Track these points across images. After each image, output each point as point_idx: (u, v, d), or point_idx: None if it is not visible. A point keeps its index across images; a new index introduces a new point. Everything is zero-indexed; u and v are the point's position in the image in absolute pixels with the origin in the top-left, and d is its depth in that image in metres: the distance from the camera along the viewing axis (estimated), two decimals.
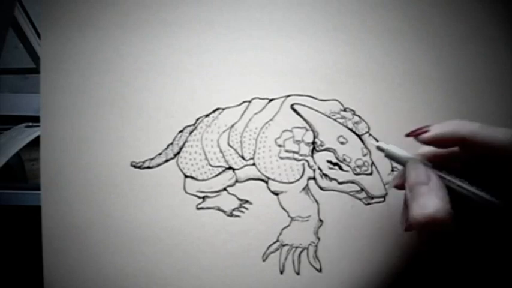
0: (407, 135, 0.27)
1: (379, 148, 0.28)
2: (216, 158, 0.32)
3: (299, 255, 0.31)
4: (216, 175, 0.32)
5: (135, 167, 0.32)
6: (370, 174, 0.32)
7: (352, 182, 0.31)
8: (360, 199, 0.31)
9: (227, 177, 0.32)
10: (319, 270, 0.31)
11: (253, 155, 0.32)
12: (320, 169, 0.32)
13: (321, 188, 0.31)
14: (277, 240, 0.31)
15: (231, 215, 0.32)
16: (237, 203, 0.32)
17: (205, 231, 0.32)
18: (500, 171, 0.25)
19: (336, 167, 0.31)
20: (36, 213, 0.32)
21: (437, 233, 0.24)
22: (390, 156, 0.28)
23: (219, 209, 0.32)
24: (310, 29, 0.32)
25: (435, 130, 0.26)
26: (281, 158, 0.32)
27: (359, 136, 0.32)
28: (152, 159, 0.32)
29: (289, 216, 0.32)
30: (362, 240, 0.31)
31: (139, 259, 0.32)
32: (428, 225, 0.24)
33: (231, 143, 0.32)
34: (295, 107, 0.32)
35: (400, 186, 0.28)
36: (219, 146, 0.32)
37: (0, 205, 0.54)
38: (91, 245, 0.32)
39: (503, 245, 0.25)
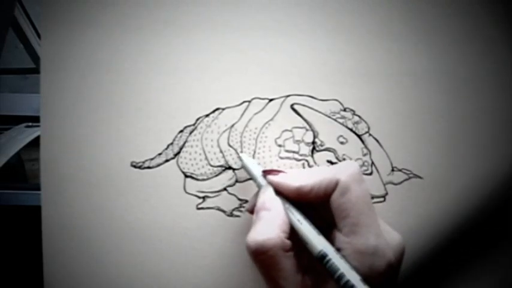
0: (263, 172, 0.29)
1: (239, 157, 0.30)
2: (216, 158, 0.32)
3: None
4: (216, 175, 0.32)
5: (135, 167, 0.32)
6: (370, 174, 0.32)
7: None
8: None
9: (227, 177, 0.32)
10: None
11: (253, 155, 0.32)
12: None
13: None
14: None
15: (231, 215, 0.32)
16: (237, 203, 0.32)
17: (205, 231, 0.32)
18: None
19: None
20: (36, 213, 0.32)
21: (266, 265, 0.25)
22: (246, 170, 0.30)
23: (219, 209, 0.32)
24: (310, 29, 0.32)
25: (281, 177, 0.27)
26: (281, 158, 0.32)
27: (359, 136, 0.32)
28: (152, 159, 0.32)
29: None
30: None
31: (140, 259, 0.32)
32: (256, 252, 0.24)
33: (231, 143, 0.32)
34: (295, 107, 0.32)
35: (252, 210, 0.28)
36: (219, 146, 0.32)
37: (0, 205, 0.54)
38: (91, 245, 0.32)
39: None
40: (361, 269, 0.24)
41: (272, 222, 0.26)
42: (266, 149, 0.32)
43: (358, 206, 0.25)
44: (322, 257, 0.24)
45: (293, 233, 0.26)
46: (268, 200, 0.27)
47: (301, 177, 0.27)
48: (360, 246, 0.24)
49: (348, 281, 0.23)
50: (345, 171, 0.26)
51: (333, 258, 0.24)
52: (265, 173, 0.28)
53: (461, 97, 0.32)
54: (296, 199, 0.27)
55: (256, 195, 0.28)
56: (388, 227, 0.26)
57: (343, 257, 0.24)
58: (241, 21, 0.32)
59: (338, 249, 0.25)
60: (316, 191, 0.26)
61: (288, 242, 0.25)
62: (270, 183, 0.28)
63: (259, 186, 0.29)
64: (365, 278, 0.23)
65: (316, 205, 0.27)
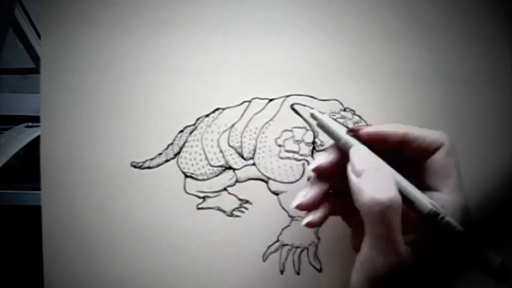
0: (349, 130, 0.26)
1: (313, 116, 0.27)
2: (216, 158, 0.32)
3: (299, 255, 0.31)
4: (216, 175, 0.32)
5: (135, 167, 0.32)
6: None
7: None
8: None
9: (227, 177, 0.32)
10: (319, 270, 0.31)
11: (253, 154, 0.32)
12: None
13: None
14: (278, 240, 0.31)
15: (231, 215, 0.32)
16: (237, 203, 0.32)
17: (205, 231, 0.32)
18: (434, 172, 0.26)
19: None
20: (36, 213, 0.32)
21: (389, 225, 0.23)
22: (324, 128, 0.27)
23: (219, 209, 0.32)
24: (310, 29, 0.32)
25: (379, 127, 0.26)
26: (281, 158, 0.32)
27: None
28: (152, 159, 0.32)
29: (289, 216, 0.32)
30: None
31: (140, 259, 0.32)
32: (383, 211, 0.23)
33: (231, 143, 0.32)
34: (295, 107, 0.32)
35: (327, 169, 0.26)
36: (219, 146, 0.32)
37: (0, 205, 0.54)
38: (91, 245, 0.32)
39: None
40: None
41: (388, 179, 0.24)
42: (266, 149, 0.32)
43: (459, 168, 0.26)
44: (435, 215, 0.24)
45: None
46: (374, 159, 0.25)
47: (401, 128, 0.26)
48: (462, 203, 0.25)
49: (460, 232, 0.23)
50: (446, 137, 0.26)
51: (446, 216, 0.24)
52: (354, 130, 0.26)
53: (461, 97, 0.32)
54: (393, 151, 0.26)
55: (333, 152, 0.27)
56: None
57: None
58: (241, 21, 0.32)
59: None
60: (419, 144, 0.26)
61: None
62: (369, 137, 0.26)
63: (345, 146, 0.26)
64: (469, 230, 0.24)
65: (408, 164, 0.26)
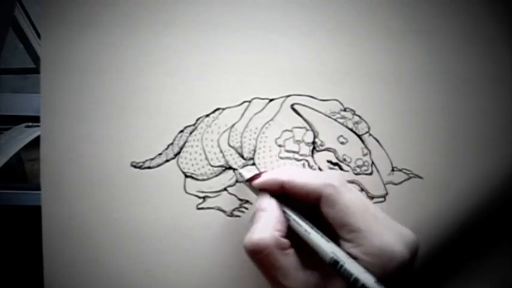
0: (247, 180, 0.29)
1: (240, 174, 0.30)
2: (216, 158, 0.32)
3: None
4: (216, 175, 0.32)
5: (135, 167, 0.32)
6: (370, 174, 0.32)
7: (352, 181, 0.31)
8: None
9: (227, 177, 0.32)
10: None
11: (254, 155, 0.32)
12: (320, 169, 0.32)
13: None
14: None
15: (231, 215, 0.32)
16: (237, 203, 0.32)
17: (205, 231, 0.32)
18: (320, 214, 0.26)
19: (336, 167, 0.31)
20: (36, 213, 0.32)
21: (264, 265, 0.25)
22: (246, 186, 0.30)
23: (219, 209, 0.32)
24: (310, 29, 0.32)
25: (263, 177, 0.28)
26: (281, 158, 0.32)
27: (359, 136, 0.32)
28: (152, 159, 0.32)
29: None
30: None
31: (140, 259, 0.32)
32: (252, 252, 0.25)
33: (231, 143, 0.32)
34: (295, 107, 0.32)
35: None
36: (219, 146, 0.32)
37: (0, 205, 0.54)
38: (91, 245, 0.32)
39: None
40: (374, 270, 0.24)
41: (266, 221, 0.26)
42: (266, 149, 0.32)
43: (350, 213, 0.25)
44: (335, 263, 0.24)
45: (293, 232, 0.26)
46: (263, 201, 0.27)
47: (286, 175, 0.27)
48: (365, 250, 0.24)
49: (363, 284, 0.23)
50: (325, 184, 0.26)
51: (346, 263, 0.24)
52: (250, 180, 0.29)
53: (461, 97, 0.32)
54: (287, 197, 0.27)
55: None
56: (398, 225, 0.26)
57: (355, 260, 0.24)
58: (241, 21, 0.32)
59: (348, 253, 0.25)
60: (297, 194, 0.26)
61: (285, 240, 0.25)
62: (259, 187, 0.28)
63: (256, 195, 0.29)
64: (379, 279, 0.23)
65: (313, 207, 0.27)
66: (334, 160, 0.31)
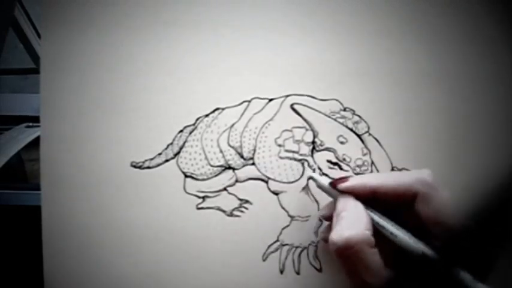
0: (331, 183, 0.28)
1: (311, 178, 0.30)
2: (216, 157, 0.32)
3: (299, 255, 0.31)
4: (216, 175, 0.32)
5: (135, 167, 0.32)
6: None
7: None
8: None
9: (227, 177, 0.32)
10: (319, 270, 0.31)
11: (253, 154, 0.32)
12: (320, 169, 0.32)
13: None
14: (277, 240, 0.31)
15: (231, 215, 0.32)
16: (237, 203, 0.32)
17: (205, 231, 0.32)
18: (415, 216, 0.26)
19: (336, 167, 0.31)
20: (36, 213, 0.32)
21: (354, 261, 0.25)
22: (322, 188, 0.29)
23: (219, 209, 0.32)
24: (310, 29, 0.32)
25: (351, 181, 0.28)
26: (281, 157, 0.32)
27: (359, 136, 0.32)
28: (152, 159, 0.32)
29: (289, 215, 0.32)
30: None
31: (139, 259, 0.32)
32: (343, 247, 0.25)
33: (231, 143, 0.32)
34: (295, 106, 0.32)
35: (327, 217, 0.29)
36: (219, 145, 0.32)
37: (0, 205, 0.54)
38: (91, 245, 0.32)
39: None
40: None
41: (356, 219, 0.26)
42: (266, 149, 0.32)
43: (445, 212, 0.25)
44: (428, 260, 0.24)
45: (376, 232, 0.26)
46: (348, 202, 0.27)
47: (376, 179, 0.27)
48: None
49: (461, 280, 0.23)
50: (420, 181, 0.26)
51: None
52: (335, 183, 0.28)
53: (462, 97, 0.32)
54: (372, 200, 0.27)
55: (331, 204, 0.29)
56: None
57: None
58: (241, 21, 0.32)
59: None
60: (392, 195, 0.26)
61: (373, 238, 0.25)
62: (345, 190, 0.28)
63: (335, 197, 0.28)
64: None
65: (399, 207, 0.27)
66: (334, 160, 0.31)
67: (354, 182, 0.28)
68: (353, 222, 0.26)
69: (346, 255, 0.25)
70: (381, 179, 0.27)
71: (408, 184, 0.26)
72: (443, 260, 0.24)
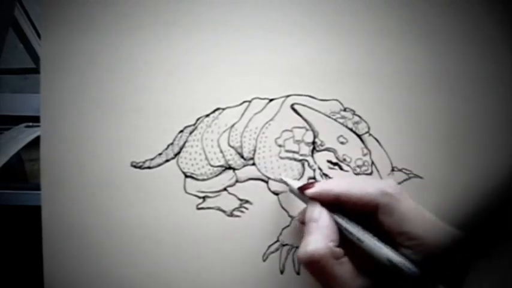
0: (299, 188, 0.29)
1: (284, 182, 0.30)
2: (216, 158, 0.32)
3: None
4: (216, 175, 0.32)
5: (135, 167, 0.32)
6: (370, 174, 0.32)
7: None
8: None
9: (227, 177, 0.32)
10: None
11: (253, 154, 0.32)
12: (320, 169, 0.32)
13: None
14: (278, 240, 0.31)
15: (231, 215, 0.32)
16: (237, 203, 0.32)
17: (205, 231, 0.32)
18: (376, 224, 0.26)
19: (336, 167, 0.31)
20: (36, 213, 0.32)
21: (320, 275, 0.25)
22: (294, 193, 0.29)
23: (219, 209, 0.32)
24: (310, 29, 0.32)
25: (316, 188, 0.28)
26: (281, 157, 0.32)
27: (359, 136, 0.32)
28: (152, 159, 0.32)
29: (289, 216, 0.32)
30: None
31: (139, 259, 0.32)
32: (307, 263, 0.25)
33: (231, 143, 0.32)
34: (295, 107, 0.32)
35: (303, 222, 0.29)
36: (219, 146, 0.32)
37: (0, 205, 0.54)
38: (91, 245, 0.32)
39: None
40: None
41: (319, 232, 0.26)
42: (266, 149, 0.32)
43: (408, 221, 0.25)
44: (393, 268, 0.24)
45: (345, 240, 0.26)
46: (314, 211, 0.27)
47: (340, 186, 0.27)
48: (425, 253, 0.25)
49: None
50: (382, 193, 0.26)
51: (404, 267, 0.24)
52: (302, 189, 0.28)
53: (461, 97, 0.32)
54: (339, 205, 0.27)
55: (304, 210, 0.29)
56: (447, 226, 0.26)
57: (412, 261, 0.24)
58: (241, 21, 0.32)
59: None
60: (356, 204, 0.26)
61: (338, 250, 0.26)
62: (311, 196, 0.28)
63: (306, 203, 0.29)
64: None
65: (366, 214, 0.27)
66: (334, 160, 0.31)
67: (318, 188, 0.28)
68: (318, 235, 0.26)
69: (314, 270, 0.25)
70: (344, 186, 0.27)
71: (370, 195, 0.26)
72: (420, 273, 0.24)
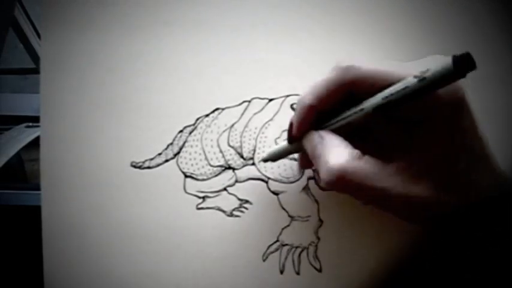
0: (289, 140, 0.27)
1: (265, 159, 0.30)
2: (216, 158, 0.32)
3: (299, 255, 0.31)
4: (216, 175, 0.32)
5: (135, 167, 0.32)
6: None
7: None
8: None
9: (227, 177, 0.32)
10: (319, 270, 0.31)
11: (253, 154, 0.32)
12: None
13: (321, 188, 0.31)
14: (277, 240, 0.31)
15: (231, 215, 0.32)
16: (237, 203, 0.32)
17: (205, 231, 0.32)
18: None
19: None
20: (36, 213, 0.32)
21: (356, 182, 0.23)
22: (279, 154, 0.29)
23: (219, 209, 0.32)
24: (310, 28, 0.32)
25: (294, 118, 0.26)
26: None
27: None
28: (152, 159, 0.32)
29: (289, 216, 0.32)
30: (362, 240, 0.31)
31: (139, 259, 0.32)
32: (338, 179, 0.23)
33: (231, 143, 0.32)
34: (295, 106, 0.32)
35: (307, 164, 0.28)
36: (218, 146, 0.32)
37: (0, 205, 0.54)
38: (91, 245, 0.32)
39: None
40: None
41: (330, 147, 0.24)
42: (266, 149, 0.32)
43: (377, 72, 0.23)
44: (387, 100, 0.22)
45: (360, 139, 0.25)
46: (312, 137, 0.25)
47: (307, 94, 0.25)
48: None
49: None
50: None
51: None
52: (291, 135, 0.27)
53: None
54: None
55: (301, 156, 0.29)
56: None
57: None
58: (241, 21, 0.32)
59: None
60: (330, 95, 0.24)
61: (356, 151, 0.23)
62: (299, 132, 0.26)
63: (300, 148, 0.27)
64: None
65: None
66: None
67: (296, 116, 0.26)
68: (329, 152, 0.24)
69: (348, 183, 0.23)
70: (310, 92, 0.25)
71: (335, 80, 0.24)
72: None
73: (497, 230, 0.24)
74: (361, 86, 0.23)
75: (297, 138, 0.27)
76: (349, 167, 0.23)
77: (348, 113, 0.24)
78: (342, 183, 0.23)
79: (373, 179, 0.23)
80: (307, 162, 0.27)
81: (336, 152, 0.24)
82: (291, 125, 0.27)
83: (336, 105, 0.25)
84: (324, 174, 0.24)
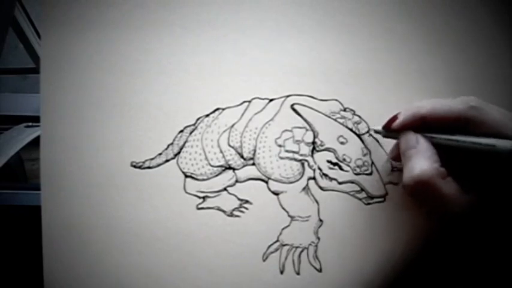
0: (384, 127, 0.29)
1: (376, 131, 0.30)
2: (216, 158, 0.32)
3: (299, 255, 0.31)
4: (216, 175, 0.32)
5: (135, 167, 0.32)
6: (370, 174, 0.32)
7: (352, 182, 0.31)
8: (360, 199, 0.31)
9: (227, 177, 0.32)
10: (319, 270, 0.31)
11: (253, 155, 0.32)
12: (320, 169, 0.32)
13: (321, 188, 0.31)
14: (277, 240, 0.32)
15: (231, 215, 0.32)
16: (237, 203, 0.32)
17: (205, 231, 0.32)
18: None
19: (336, 167, 0.31)
20: (36, 213, 0.32)
21: (429, 196, 0.25)
22: (388, 134, 0.30)
23: (219, 209, 0.32)
24: (310, 29, 0.32)
25: (401, 118, 0.28)
26: (281, 158, 0.32)
27: (359, 136, 0.32)
28: (152, 159, 0.32)
29: (289, 216, 0.32)
30: (362, 240, 0.31)
31: (140, 259, 0.32)
32: (416, 185, 0.26)
33: (231, 143, 0.32)
34: (295, 107, 0.32)
35: (397, 157, 0.29)
36: (219, 146, 0.32)
37: (0, 205, 0.54)
38: (91, 245, 0.32)
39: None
40: None
41: (421, 156, 0.26)
42: (266, 149, 0.32)
43: (501, 127, 0.25)
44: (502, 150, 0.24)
45: (448, 160, 0.26)
46: (410, 138, 0.27)
47: (425, 107, 0.27)
48: None
49: None
50: (469, 107, 0.26)
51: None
52: (387, 125, 0.29)
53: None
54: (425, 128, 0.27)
55: (396, 145, 0.29)
56: None
57: None
58: (241, 21, 0.32)
59: None
60: (444, 120, 0.26)
61: (443, 169, 0.26)
62: (400, 128, 0.28)
63: (396, 138, 0.29)
64: None
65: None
66: (334, 160, 0.31)
67: (404, 116, 0.28)
68: (420, 158, 0.26)
69: (422, 192, 0.26)
70: (429, 106, 0.27)
71: (459, 110, 0.26)
72: None
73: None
74: (478, 128, 0.26)
75: (393, 130, 0.29)
76: (431, 182, 0.25)
77: (471, 139, 0.26)
78: (419, 192, 0.26)
79: (450, 202, 0.25)
80: (397, 155, 0.29)
81: (424, 163, 0.26)
82: (395, 116, 0.29)
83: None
84: (406, 178, 0.26)
